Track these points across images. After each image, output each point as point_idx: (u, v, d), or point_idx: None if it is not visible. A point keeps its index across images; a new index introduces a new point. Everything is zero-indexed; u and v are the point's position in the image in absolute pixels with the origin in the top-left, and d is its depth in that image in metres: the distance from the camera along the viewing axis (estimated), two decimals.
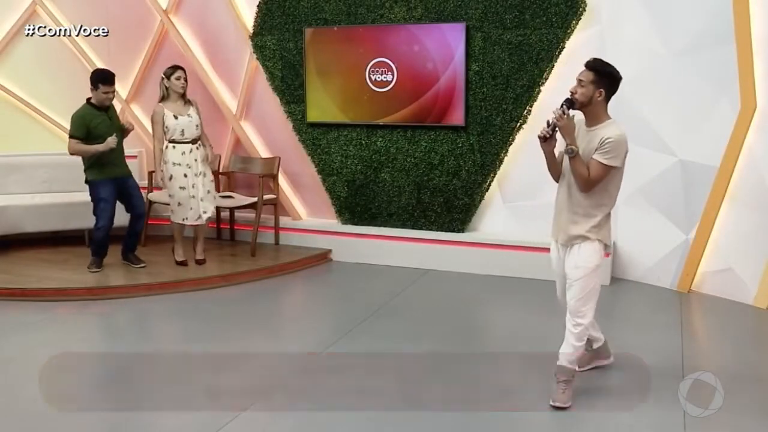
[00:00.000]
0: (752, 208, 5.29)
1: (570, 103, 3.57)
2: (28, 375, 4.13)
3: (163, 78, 5.99)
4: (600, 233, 3.65)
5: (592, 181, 3.54)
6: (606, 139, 3.51)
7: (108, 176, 5.84)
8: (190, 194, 6.00)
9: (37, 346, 4.57)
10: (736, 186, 5.35)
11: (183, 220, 6.05)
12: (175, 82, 5.93)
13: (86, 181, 5.88)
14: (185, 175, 5.96)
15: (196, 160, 6.01)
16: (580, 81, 3.57)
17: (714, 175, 5.37)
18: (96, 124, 5.73)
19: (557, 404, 3.67)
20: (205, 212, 6.10)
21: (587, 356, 4.08)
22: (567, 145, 3.56)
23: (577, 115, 3.66)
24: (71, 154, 5.81)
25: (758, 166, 5.22)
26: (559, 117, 3.52)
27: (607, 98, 3.60)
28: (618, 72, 3.61)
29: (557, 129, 3.57)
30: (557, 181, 3.79)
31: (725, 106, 5.31)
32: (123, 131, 5.97)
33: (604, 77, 3.56)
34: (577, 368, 3.77)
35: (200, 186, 6.03)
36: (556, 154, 3.73)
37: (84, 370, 4.31)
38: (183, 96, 6.01)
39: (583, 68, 3.60)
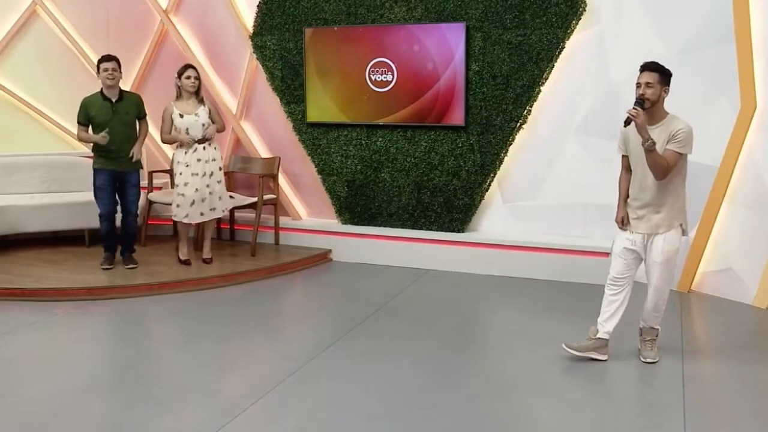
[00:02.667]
0: (752, 208, 5.29)
1: (641, 105, 3.91)
2: (29, 375, 4.13)
3: (176, 77, 6.06)
4: (681, 218, 4.08)
5: (670, 168, 3.91)
6: (678, 130, 3.90)
7: (105, 166, 5.88)
8: (196, 190, 6.01)
9: (37, 346, 4.58)
10: (736, 186, 5.35)
11: (185, 217, 6.05)
12: (185, 81, 5.99)
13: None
14: (181, 173, 6.00)
15: (199, 160, 6.00)
16: (647, 83, 3.92)
17: (714, 175, 5.38)
18: (96, 113, 5.77)
19: (648, 360, 4.21)
20: (213, 209, 6.09)
21: (587, 344, 4.25)
22: (646, 140, 3.85)
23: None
24: (78, 140, 6.05)
25: (758, 166, 5.22)
26: (636, 114, 3.85)
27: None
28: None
29: (644, 105, 3.90)
30: (661, 179, 4.00)
31: (725, 106, 5.31)
32: (134, 122, 5.98)
33: (666, 76, 3.96)
34: (660, 328, 4.29)
35: (204, 186, 6.02)
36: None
37: (84, 370, 4.31)
38: (197, 94, 6.05)
39: (643, 71, 3.96)
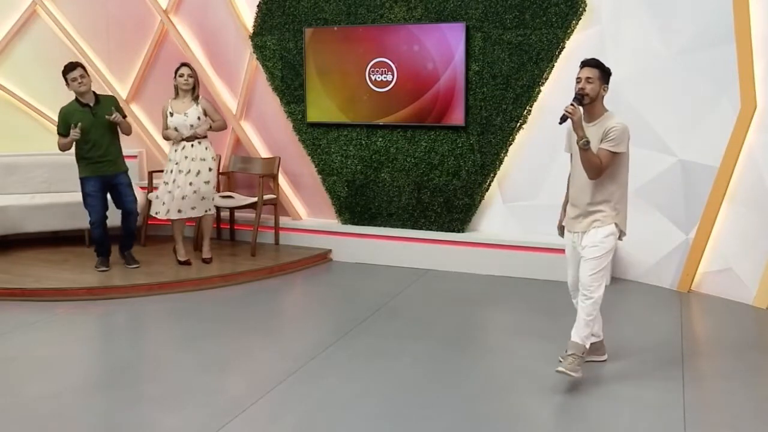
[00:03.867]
0: (752, 208, 5.29)
1: (580, 100, 3.83)
2: (29, 375, 4.13)
3: (174, 75, 6.09)
4: (617, 218, 3.94)
5: (603, 168, 3.83)
6: (611, 128, 3.81)
7: (93, 173, 5.85)
8: (167, 189, 6.04)
9: (37, 346, 4.58)
10: (736, 186, 5.35)
11: (155, 214, 6.13)
12: (179, 80, 6.04)
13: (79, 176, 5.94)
14: (171, 171, 6.05)
15: (186, 158, 6.02)
16: (587, 78, 3.84)
17: (714, 175, 5.37)
18: (76, 120, 5.70)
19: (561, 369, 3.84)
20: (194, 208, 6.08)
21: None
22: (580, 137, 3.79)
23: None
24: (60, 150, 5.90)
25: (758, 166, 5.22)
26: (573, 111, 3.77)
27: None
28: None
29: (583, 100, 3.83)
30: (593, 179, 3.93)
31: (725, 106, 5.31)
32: (115, 125, 5.88)
33: (606, 74, 3.89)
34: (587, 345, 3.95)
35: (186, 184, 6.01)
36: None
37: (84, 370, 4.31)
38: (192, 92, 6.07)
39: (584, 67, 3.89)
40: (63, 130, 5.78)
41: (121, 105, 6.18)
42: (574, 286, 4.14)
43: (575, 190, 4.03)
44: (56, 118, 7.59)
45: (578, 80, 3.87)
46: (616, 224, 3.94)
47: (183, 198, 6.02)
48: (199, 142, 6.08)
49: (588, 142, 3.79)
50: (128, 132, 6.02)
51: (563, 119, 3.84)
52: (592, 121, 3.91)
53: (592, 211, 3.93)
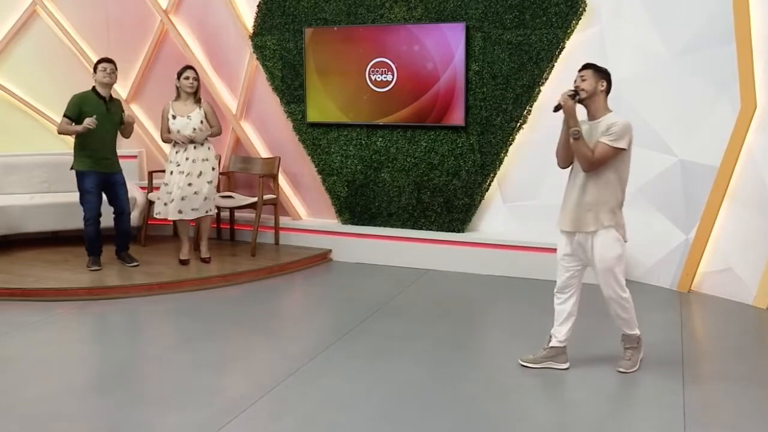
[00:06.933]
0: (752, 208, 5.29)
1: (574, 95, 3.88)
2: (29, 375, 4.13)
3: (176, 77, 6.10)
4: (614, 219, 3.92)
5: (596, 161, 3.83)
6: (613, 123, 3.83)
7: (92, 168, 5.85)
8: (167, 190, 6.07)
9: (37, 346, 4.57)
10: (736, 186, 5.35)
11: (157, 214, 6.14)
12: (183, 82, 6.04)
13: (72, 168, 5.92)
14: (171, 173, 6.06)
15: (187, 159, 6.03)
16: (581, 77, 3.91)
17: (714, 175, 5.37)
18: (89, 109, 5.73)
19: (621, 369, 4.06)
20: (195, 209, 6.07)
21: (542, 354, 4.17)
22: (571, 127, 3.85)
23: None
24: (58, 132, 5.95)
25: (758, 166, 5.22)
26: (566, 99, 3.84)
27: (607, 92, 3.94)
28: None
29: (578, 94, 3.87)
30: (563, 166, 4.08)
31: (725, 106, 5.31)
32: (124, 124, 5.98)
33: (602, 72, 3.92)
34: (638, 332, 4.11)
35: (186, 184, 6.01)
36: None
37: (84, 370, 4.31)
38: (195, 95, 6.08)
39: (580, 71, 3.95)
40: (71, 113, 5.78)
41: (123, 107, 6.21)
42: (561, 288, 4.12)
43: (569, 187, 4.05)
44: (56, 118, 7.60)
45: (575, 81, 3.96)
46: (615, 227, 3.92)
47: (182, 199, 6.02)
48: (202, 144, 6.10)
49: (578, 132, 3.83)
50: (129, 135, 6.08)
51: (557, 108, 3.91)
52: (594, 119, 3.94)
53: (587, 210, 3.92)
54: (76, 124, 5.77)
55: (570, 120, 3.87)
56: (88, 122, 5.65)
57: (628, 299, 4.05)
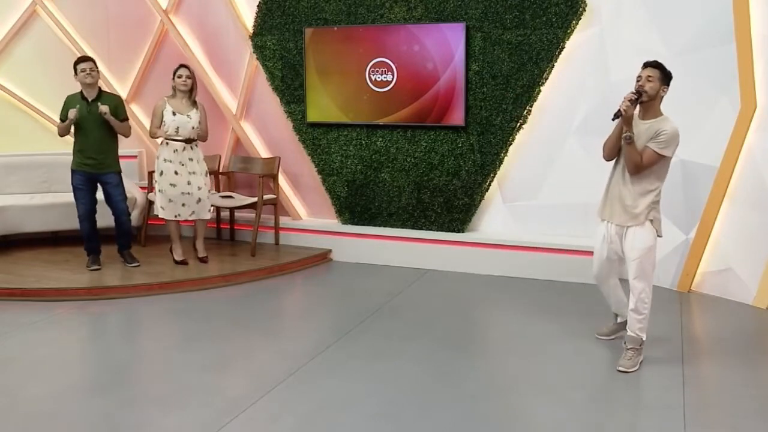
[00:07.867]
0: (752, 208, 5.29)
1: (638, 95, 3.92)
2: (28, 375, 4.13)
3: (172, 76, 6.09)
4: (651, 214, 4.05)
5: (643, 166, 3.96)
6: (662, 131, 3.92)
7: (77, 167, 5.89)
8: (181, 191, 6.03)
9: (37, 346, 4.57)
10: (736, 186, 5.35)
11: (176, 216, 6.08)
12: (177, 80, 6.03)
13: None
14: (177, 173, 6.01)
15: (191, 159, 6.04)
16: (648, 77, 3.94)
17: (714, 175, 5.37)
18: (72, 109, 5.76)
19: (621, 368, 4.09)
20: (192, 212, 6.09)
21: (615, 326, 4.55)
22: (625, 131, 3.92)
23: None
24: (59, 135, 6.00)
25: (758, 166, 5.22)
26: (627, 107, 3.87)
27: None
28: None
29: (641, 97, 3.92)
30: (607, 159, 4.18)
31: (725, 106, 5.31)
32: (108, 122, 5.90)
33: (668, 77, 4.00)
34: (644, 337, 4.15)
35: (185, 183, 6.02)
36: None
37: (84, 370, 4.31)
38: (190, 95, 6.07)
39: (646, 67, 3.97)
40: (62, 115, 5.88)
41: (125, 107, 6.15)
42: (597, 278, 4.35)
43: (613, 180, 4.16)
44: (56, 118, 7.63)
45: (638, 78, 3.96)
46: (651, 221, 4.05)
47: (183, 205, 6.04)
48: (196, 144, 6.12)
49: (630, 137, 3.90)
50: (126, 134, 6.03)
51: (617, 115, 3.93)
52: (646, 120, 4.01)
53: (626, 204, 4.06)
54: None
55: (626, 125, 3.93)
56: (71, 114, 5.74)
57: (649, 295, 4.11)
